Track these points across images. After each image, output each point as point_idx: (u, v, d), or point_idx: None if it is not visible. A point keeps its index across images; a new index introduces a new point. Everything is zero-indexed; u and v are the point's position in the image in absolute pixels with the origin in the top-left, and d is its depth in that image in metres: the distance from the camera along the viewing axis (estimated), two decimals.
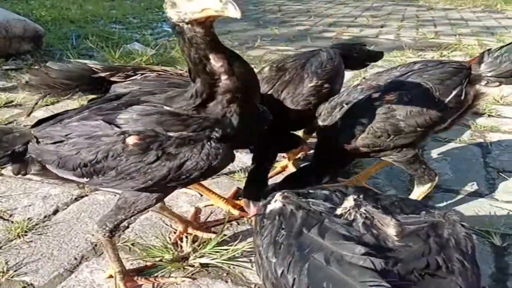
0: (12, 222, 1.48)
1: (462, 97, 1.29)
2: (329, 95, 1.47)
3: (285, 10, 7.51)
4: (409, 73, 1.33)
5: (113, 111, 1.03)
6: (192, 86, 0.97)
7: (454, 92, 1.27)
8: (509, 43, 1.33)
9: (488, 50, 1.34)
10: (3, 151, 1.06)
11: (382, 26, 5.82)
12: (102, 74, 1.31)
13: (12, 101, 2.63)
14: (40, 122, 1.12)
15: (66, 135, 1.02)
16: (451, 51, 3.99)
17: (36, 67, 3.16)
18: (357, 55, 1.77)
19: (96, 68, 1.32)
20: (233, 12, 0.79)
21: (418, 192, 1.40)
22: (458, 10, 7.48)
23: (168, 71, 1.39)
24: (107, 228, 1.10)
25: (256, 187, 1.41)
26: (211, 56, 0.91)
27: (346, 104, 1.33)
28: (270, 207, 0.90)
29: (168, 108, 0.99)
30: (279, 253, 0.77)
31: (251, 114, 1.02)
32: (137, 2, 7.37)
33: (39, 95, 1.28)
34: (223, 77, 0.93)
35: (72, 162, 1.01)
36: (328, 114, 1.36)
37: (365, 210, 0.81)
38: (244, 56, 3.81)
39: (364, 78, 1.47)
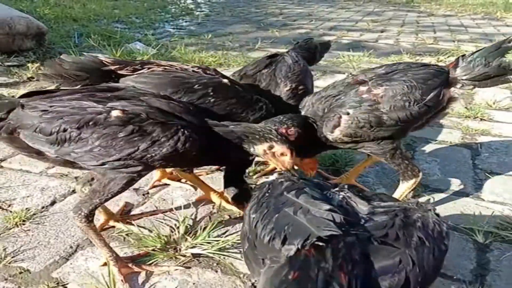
0: (11, 212, 1.52)
1: (440, 98, 1.36)
2: (305, 95, 1.54)
3: (287, 13, 7.57)
4: (394, 72, 1.39)
5: (105, 99, 1.10)
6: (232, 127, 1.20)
7: (434, 92, 1.34)
8: (481, 49, 1.41)
9: (463, 55, 1.42)
10: None
11: (382, 31, 5.88)
12: (112, 67, 1.39)
13: (13, 97, 2.67)
14: (29, 94, 1.18)
15: (51, 106, 1.09)
16: (448, 57, 4.04)
17: (38, 64, 3.22)
18: (313, 52, 1.91)
19: (106, 61, 1.41)
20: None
21: (403, 188, 1.46)
22: (459, 17, 7.54)
23: (174, 65, 1.46)
24: (82, 214, 1.15)
25: (239, 187, 1.42)
26: None
27: (333, 97, 1.39)
28: (263, 180, 0.96)
29: (158, 105, 1.13)
30: (258, 210, 0.85)
31: None
32: (140, 2, 7.45)
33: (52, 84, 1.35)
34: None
35: (52, 126, 1.07)
36: (311, 106, 1.41)
37: (345, 193, 0.86)
38: (243, 58, 3.85)
39: (351, 74, 1.52)
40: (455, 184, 1.74)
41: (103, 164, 1.09)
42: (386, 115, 1.30)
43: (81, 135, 1.06)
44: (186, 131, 1.10)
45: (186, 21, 6.22)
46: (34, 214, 1.51)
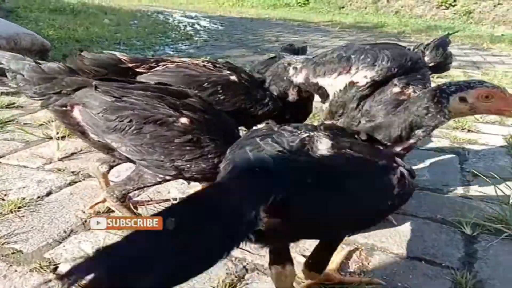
0: (6, 201, 1.53)
1: None
2: None
3: (283, 40, 7.83)
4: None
5: (174, 105, 1.15)
6: None
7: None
8: (433, 40, 1.59)
9: (426, 45, 1.58)
10: (58, 88, 1.17)
11: None
12: (129, 65, 1.47)
13: (13, 103, 2.75)
14: (102, 79, 1.24)
15: (123, 96, 1.14)
16: (436, 77, 4.19)
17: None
18: (297, 53, 2.11)
19: (123, 59, 1.49)
20: None
21: None
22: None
23: (186, 61, 1.56)
24: (114, 195, 1.20)
25: None
26: None
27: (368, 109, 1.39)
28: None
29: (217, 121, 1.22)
30: (231, 150, 0.92)
31: None
32: (142, 28, 7.69)
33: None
34: None
35: (119, 113, 1.10)
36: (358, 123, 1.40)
37: (318, 131, 0.90)
38: None
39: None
40: (443, 184, 1.78)
41: (143, 159, 1.13)
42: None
43: (142, 129, 1.10)
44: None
45: (185, 45, 6.42)
46: (29, 202, 1.53)
